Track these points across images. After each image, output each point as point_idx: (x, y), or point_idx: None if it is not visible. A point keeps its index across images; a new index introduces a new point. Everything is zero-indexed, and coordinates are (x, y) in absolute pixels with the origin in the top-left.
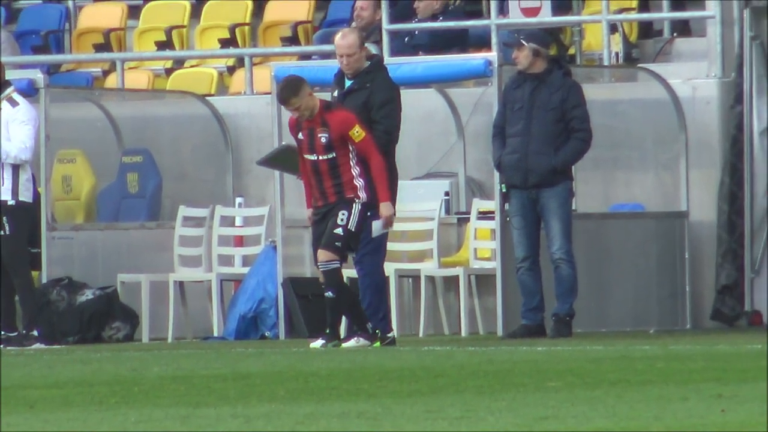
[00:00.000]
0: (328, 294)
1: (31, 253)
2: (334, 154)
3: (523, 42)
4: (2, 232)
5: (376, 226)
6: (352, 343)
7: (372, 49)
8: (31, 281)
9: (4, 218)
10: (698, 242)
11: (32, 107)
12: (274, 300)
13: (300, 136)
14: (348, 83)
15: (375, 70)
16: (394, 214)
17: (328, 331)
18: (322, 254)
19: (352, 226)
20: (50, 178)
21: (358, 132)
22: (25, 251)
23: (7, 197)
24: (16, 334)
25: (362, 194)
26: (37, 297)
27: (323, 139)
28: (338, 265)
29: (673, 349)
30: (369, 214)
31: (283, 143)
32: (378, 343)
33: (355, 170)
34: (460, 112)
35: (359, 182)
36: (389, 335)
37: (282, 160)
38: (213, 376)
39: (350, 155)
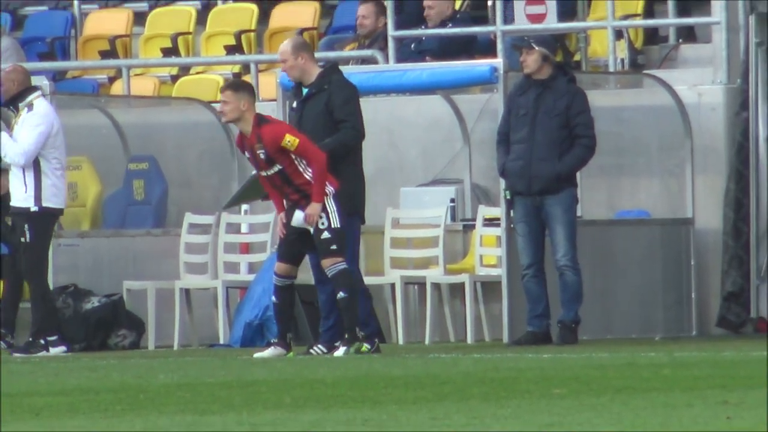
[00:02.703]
0: (341, 294)
1: None
2: (280, 167)
3: (533, 45)
4: (23, 240)
5: (297, 217)
6: (269, 352)
7: (378, 56)
8: (45, 290)
9: (26, 225)
10: (704, 249)
11: (48, 111)
12: None
13: (246, 155)
14: (305, 91)
15: (330, 73)
16: (317, 217)
17: (347, 336)
18: (325, 262)
19: (335, 224)
20: None
21: (290, 141)
22: (44, 259)
23: (29, 204)
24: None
25: (327, 189)
26: (52, 305)
27: (262, 155)
28: (344, 265)
29: (678, 356)
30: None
31: (250, 177)
32: (292, 354)
33: (308, 173)
34: (466, 119)
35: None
36: (376, 341)
37: (248, 193)
38: (219, 384)
39: (297, 162)
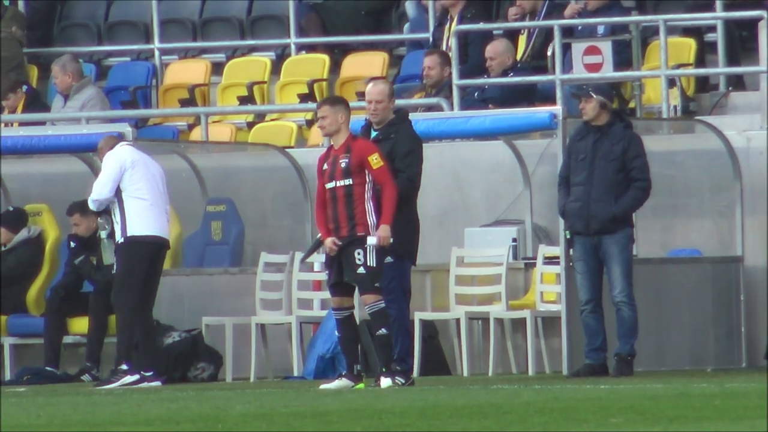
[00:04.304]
0: (383, 331)
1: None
2: (351, 182)
3: (592, 93)
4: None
5: (371, 241)
6: (335, 384)
7: (443, 104)
8: (128, 321)
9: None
10: (753, 285)
11: (116, 154)
12: None
13: (325, 166)
14: (373, 134)
15: (400, 121)
16: (390, 239)
17: (383, 369)
18: (366, 298)
19: (370, 262)
20: None
21: (376, 159)
22: (131, 289)
23: (119, 236)
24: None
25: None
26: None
27: (343, 164)
28: (384, 304)
29: (729, 387)
30: (390, 259)
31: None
32: (362, 385)
33: (369, 205)
34: (527, 163)
35: (371, 220)
36: (412, 376)
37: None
38: (293, 414)
39: (366, 187)
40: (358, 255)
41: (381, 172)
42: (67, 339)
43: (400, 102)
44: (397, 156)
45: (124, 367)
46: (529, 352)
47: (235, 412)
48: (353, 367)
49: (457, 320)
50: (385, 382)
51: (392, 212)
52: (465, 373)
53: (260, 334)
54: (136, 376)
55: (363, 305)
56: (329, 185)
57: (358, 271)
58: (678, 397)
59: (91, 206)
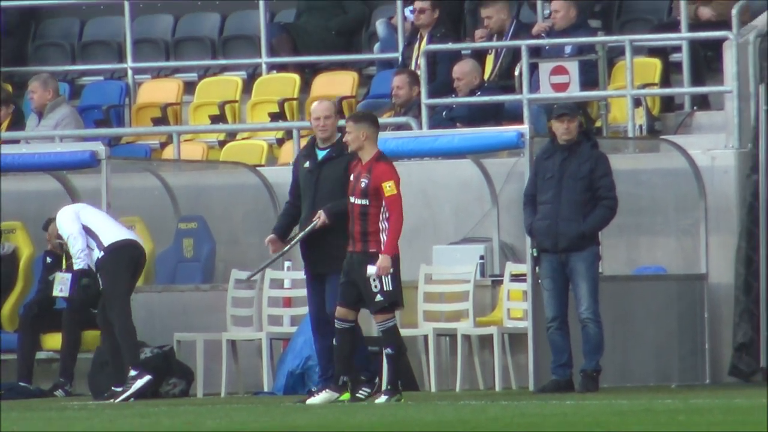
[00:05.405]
0: (388, 350)
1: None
2: (367, 202)
3: (576, 113)
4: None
5: (370, 271)
6: (322, 396)
7: (412, 123)
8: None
9: (98, 275)
10: (717, 303)
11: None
12: None
13: (351, 177)
14: (321, 154)
15: None
16: (390, 269)
17: (389, 387)
18: (377, 317)
19: (387, 287)
20: None
21: (390, 187)
22: (121, 297)
23: (96, 255)
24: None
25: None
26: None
27: (363, 184)
28: (394, 322)
29: (693, 403)
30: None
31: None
32: (347, 395)
33: (383, 224)
34: (494, 181)
35: (384, 238)
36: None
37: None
38: (263, 430)
39: (382, 209)
40: (374, 283)
41: (391, 201)
42: (41, 354)
43: None
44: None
45: (133, 372)
46: (496, 368)
47: (206, 428)
48: (339, 377)
49: (425, 337)
50: (381, 399)
51: (395, 243)
52: (433, 389)
53: (231, 350)
54: (147, 377)
55: (375, 322)
56: (351, 199)
57: (376, 300)
58: (643, 412)
59: (81, 266)
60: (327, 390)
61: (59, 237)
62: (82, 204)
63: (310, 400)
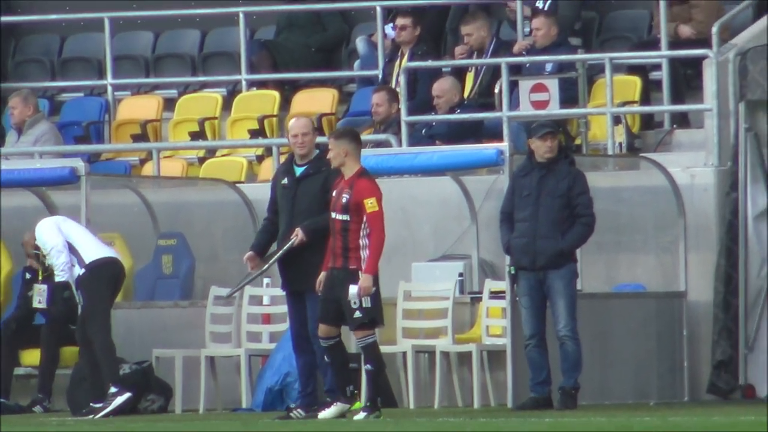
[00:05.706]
0: (367, 367)
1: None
2: (348, 218)
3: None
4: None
5: (352, 292)
6: (333, 410)
7: (392, 140)
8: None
9: (77, 292)
10: (696, 320)
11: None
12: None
13: (334, 193)
14: (299, 170)
15: (326, 155)
16: (372, 289)
17: (368, 403)
18: (357, 333)
19: (366, 303)
20: None
21: (371, 204)
22: (102, 314)
23: (77, 271)
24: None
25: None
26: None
27: (344, 200)
28: (374, 339)
29: (671, 420)
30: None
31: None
32: (358, 404)
33: (363, 241)
34: (474, 199)
35: (365, 254)
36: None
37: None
38: None
39: (363, 225)
40: (354, 302)
41: (372, 217)
42: (19, 371)
43: None
44: (331, 188)
45: (113, 389)
46: (475, 385)
47: None
48: (346, 389)
49: (404, 353)
50: (360, 416)
51: (376, 262)
52: (411, 406)
53: (210, 367)
54: (127, 394)
55: (355, 338)
56: (332, 214)
57: (355, 317)
58: (621, 430)
59: (64, 278)
60: (337, 403)
61: (36, 248)
62: (62, 217)
63: (322, 414)
